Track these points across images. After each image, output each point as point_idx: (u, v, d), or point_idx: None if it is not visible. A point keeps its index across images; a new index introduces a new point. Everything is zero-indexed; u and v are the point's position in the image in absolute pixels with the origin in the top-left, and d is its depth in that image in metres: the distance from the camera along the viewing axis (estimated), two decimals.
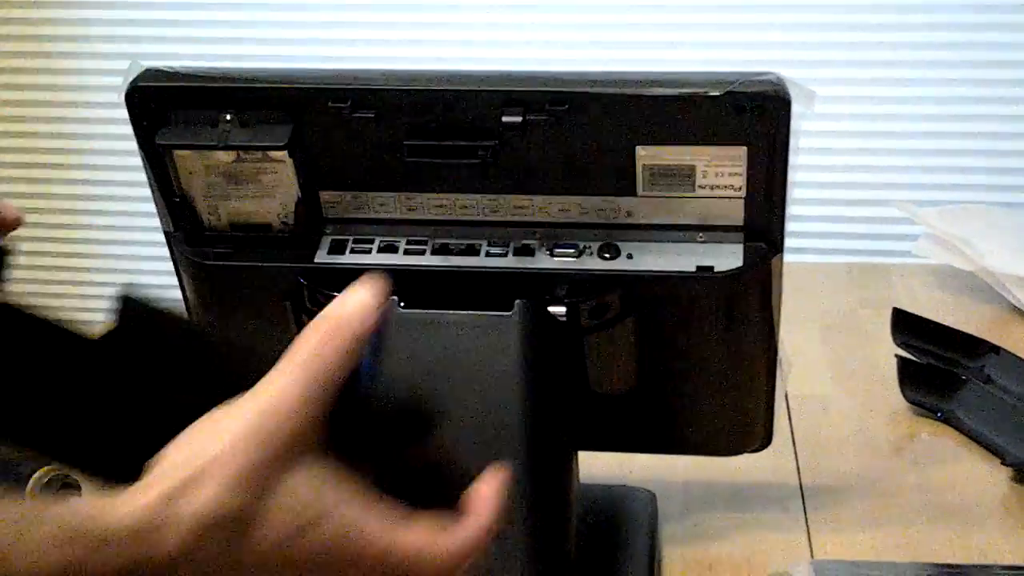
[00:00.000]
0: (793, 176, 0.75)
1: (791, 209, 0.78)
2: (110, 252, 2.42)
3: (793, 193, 0.77)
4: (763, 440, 0.89)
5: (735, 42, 1.88)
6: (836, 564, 0.85)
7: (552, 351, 0.80)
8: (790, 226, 0.78)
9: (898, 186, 1.89)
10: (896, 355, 1.16)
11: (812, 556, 0.89)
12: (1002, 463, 1.02)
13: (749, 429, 0.88)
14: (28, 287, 2.47)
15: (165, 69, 0.76)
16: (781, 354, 0.85)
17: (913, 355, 1.18)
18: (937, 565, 0.86)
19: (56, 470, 0.93)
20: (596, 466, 0.91)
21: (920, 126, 1.88)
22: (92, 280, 2.44)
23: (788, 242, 0.79)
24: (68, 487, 0.92)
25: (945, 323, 1.20)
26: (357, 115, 0.76)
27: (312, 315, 0.82)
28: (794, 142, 0.74)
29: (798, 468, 1.02)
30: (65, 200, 2.40)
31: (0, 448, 0.95)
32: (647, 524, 0.91)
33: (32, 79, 2.30)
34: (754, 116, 0.73)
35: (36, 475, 0.92)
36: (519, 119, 0.74)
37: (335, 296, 0.80)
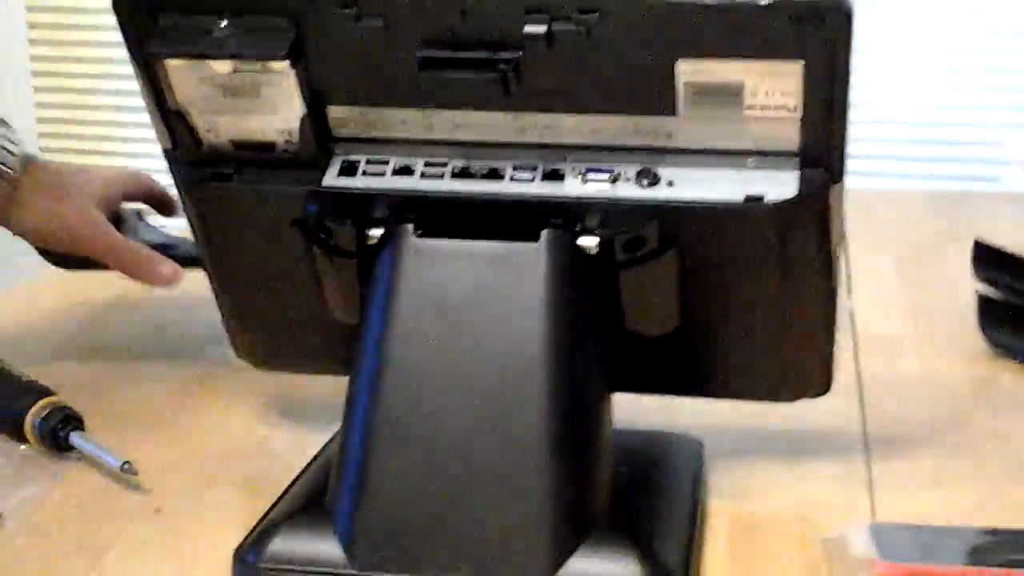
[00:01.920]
0: (854, 94, 0.67)
1: (856, 131, 0.70)
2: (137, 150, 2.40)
3: (856, 113, 0.68)
4: (821, 386, 0.82)
5: None
6: (899, 529, 0.77)
7: (582, 287, 0.73)
8: (859, 148, 0.70)
9: (985, 107, 1.77)
10: (977, 292, 1.07)
11: (873, 517, 0.81)
12: None
13: (806, 373, 0.81)
14: None
15: None
16: (846, 293, 0.77)
17: (996, 292, 1.09)
18: (1016, 532, 0.78)
19: (57, 403, 0.88)
20: (640, 410, 0.84)
21: (1011, 43, 1.75)
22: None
23: (856, 166, 0.71)
24: (69, 419, 0.87)
25: None
26: (364, 22, 0.68)
27: (321, 242, 0.76)
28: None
29: (863, 416, 0.94)
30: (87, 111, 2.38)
31: (7, 377, 0.90)
32: (691, 474, 0.84)
33: None
34: (812, 27, 0.65)
35: (36, 407, 0.87)
36: (543, 29, 0.67)
37: (346, 223, 0.74)
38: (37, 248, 1.04)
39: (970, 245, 1.13)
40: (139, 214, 1.07)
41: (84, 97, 2.43)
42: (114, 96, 2.36)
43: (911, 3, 1.70)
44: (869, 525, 0.77)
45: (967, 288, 1.09)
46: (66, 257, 1.03)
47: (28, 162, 0.99)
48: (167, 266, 0.98)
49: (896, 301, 1.15)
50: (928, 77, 1.73)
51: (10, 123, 0.99)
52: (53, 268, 1.06)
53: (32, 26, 2.42)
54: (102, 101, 2.42)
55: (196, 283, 0.97)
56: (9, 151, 0.97)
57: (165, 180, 0.85)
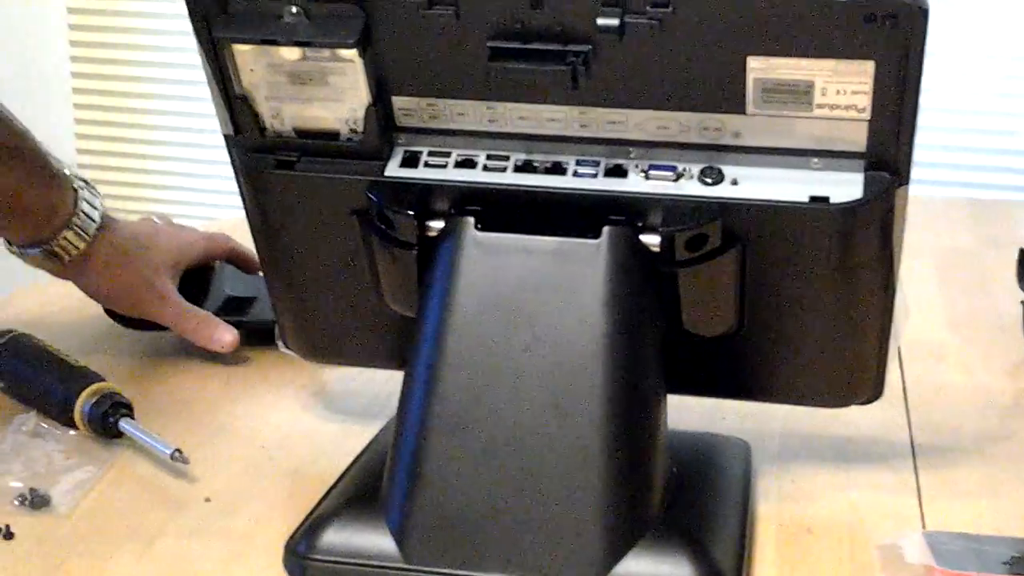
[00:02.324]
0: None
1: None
2: (174, 154, 2.39)
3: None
4: (873, 392, 0.81)
5: None
6: (953, 537, 0.76)
7: (643, 285, 0.73)
8: None
9: None
10: (1022, 301, 1.06)
11: (924, 525, 0.80)
12: None
13: (859, 379, 0.80)
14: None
15: None
16: (899, 298, 0.76)
17: None
18: None
19: (107, 389, 0.87)
20: (687, 411, 0.83)
21: None
22: (157, 183, 2.43)
23: None
24: (119, 406, 0.86)
25: None
26: (434, 11, 0.68)
27: (381, 233, 0.76)
28: None
29: (909, 424, 0.93)
30: (140, 99, 2.38)
31: (59, 363, 0.90)
32: (741, 477, 0.83)
33: None
34: (885, 27, 0.64)
35: (86, 392, 0.87)
36: (616, 22, 0.66)
37: (407, 215, 0.74)
38: (104, 308, 1.05)
39: (1012, 254, 1.13)
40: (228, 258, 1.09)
41: (122, 100, 2.43)
42: (151, 100, 2.36)
43: (953, 9, 1.69)
44: (923, 533, 0.76)
45: (1009, 297, 1.09)
46: (131, 319, 1.04)
47: (105, 223, 1.00)
48: (226, 334, 1.00)
49: (938, 309, 1.14)
50: (971, 83, 1.72)
51: (93, 185, 1.01)
52: None
53: (73, 28, 2.42)
54: (139, 105, 2.42)
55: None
56: (89, 215, 0.98)
57: (214, 170, 0.84)
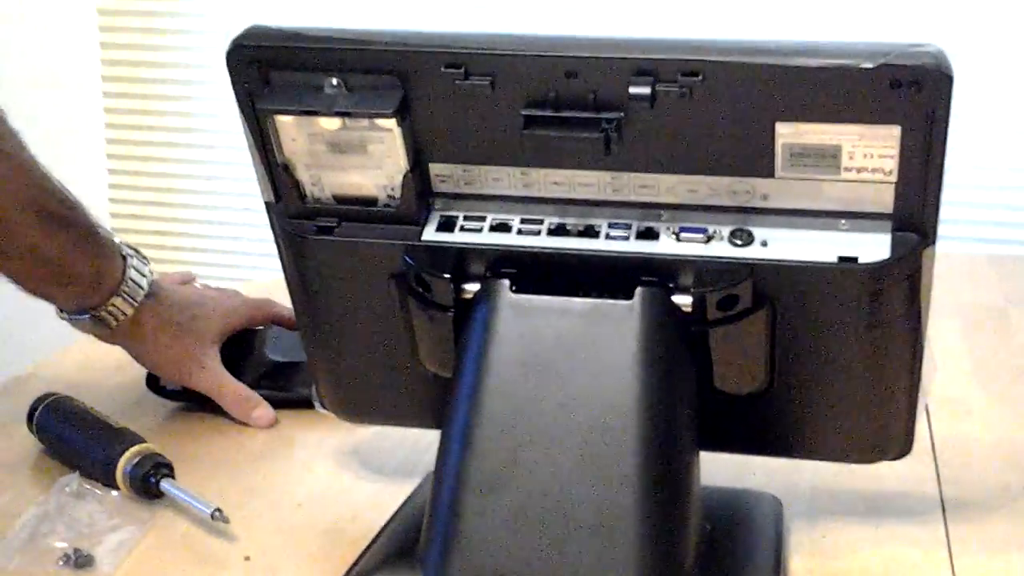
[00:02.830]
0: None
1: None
2: (215, 218, 2.42)
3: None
4: (903, 448, 0.82)
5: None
6: None
7: (675, 344, 0.74)
8: None
9: None
10: None
11: None
12: None
13: (888, 436, 0.81)
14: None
15: (269, 28, 0.71)
16: (927, 355, 0.77)
17: None
18: None
19: (147, 450, 0.89)
20: (716, 467, 0.84)
21: None
22: (194, 247, 2.45)
23: None
24: (160, 467, 0.88)
25: None
26: (471, 82, 0.70)
27: (418, 296, 0.78)
28: None
29: (938, 478, 0.94)
30: (177, 164, 2.40)
31: (101, 425, 0.92)
32: (772, 532, 0.84)
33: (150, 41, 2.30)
34: (911, 92, 0.66)
35: (127, 454, 0.88)
36: (648, 90, 0.68)
37: (443, 278, 0.76)
38: (146, 381, 1.08)
39: None
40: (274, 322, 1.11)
41: (158, 164, 2.46)
42: (185, 149, 2.39)
43: (975, 65, 1.70)
44: None
45: None
46: (170, 391, 1.07)
47: (153, 291, 1.03)
48: (265, 413, 1.03)
49: (965, 365, 1.15)
50: (994, 139, 1.73)
51: (142, 254, 1.04)
52: None
53: (106, 80, 2.46)
54: (175, 170, 2.45)
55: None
56: (137, 282, 1.01)
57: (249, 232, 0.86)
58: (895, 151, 0.69)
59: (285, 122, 0.73)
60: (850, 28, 1.75)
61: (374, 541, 0.81)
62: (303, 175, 0.75)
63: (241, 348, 1.09)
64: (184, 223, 2.47)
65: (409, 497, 0.86)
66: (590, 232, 0.74)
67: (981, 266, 1.36)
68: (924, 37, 0.68)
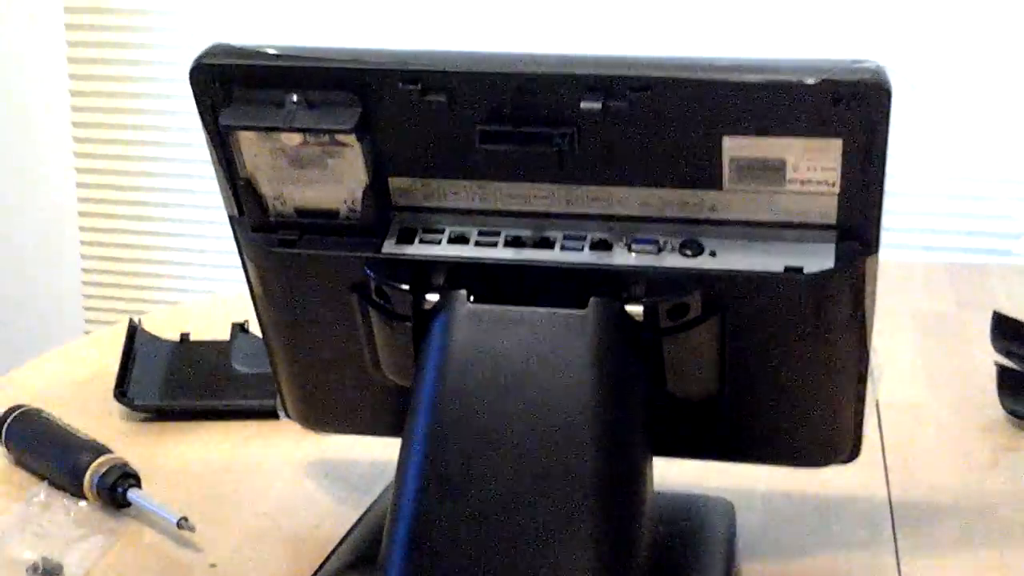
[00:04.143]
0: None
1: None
2: (180, 232, 2.43)
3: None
4: (851, 451, 0.84)
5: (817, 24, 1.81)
6: None
7: (628, 352, 0.76)
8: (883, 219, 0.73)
9: (1001, 180, 1.80)
10: (996, 363, 1.10)
11: None
12: None
13: (836, 439, 0.83)
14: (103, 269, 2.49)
15: (231, 46, 0.73)
16: (872, 361, 0.80)
17: (1014, 363, 1.12)
18: None
19: (115, 460, 0.91)
20: (670, 473, 0.86)
21: None
22: (161, 259, 2.46)
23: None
24: (127, 476, 0.89)
25: None
26: (428, 98, 0.72)
27: (378, 307, 0.79)
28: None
29: (887, 481, 0.97)
30: (143, 178, 2.42)
31: (68, 436, 0.93)
32: (724, 536, 0.86)
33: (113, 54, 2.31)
34: (852, 106, 0.68)
35: (94, 464, 0.90)
36: (599, 105, 0.70)
37: (402, 289, 0.77)
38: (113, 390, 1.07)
39: (987, 316, 1.17)
40: None
41: (124, 178, 2.47)
42: (152, 163, 2.40)
43: (929, 78, 1.74)
44: None
45: (986, 358, 1.12)
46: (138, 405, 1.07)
47: None
48: None
49: (917, 370, 1.18)
50: (945, 149, 1.77)
51: None
52: (95, 330, 1.09)
53: (74, 94, 2.46)
54: (140, 168, 2.46)
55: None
56: None
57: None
58: (837, 164, 0.71)
59: (247, 138, 0.75)
60: (796, 45, 1.77)
61: (336, 548, 0.83)
62: (265, 189, 0.77)
63: (209, 361, 1.10)
64: (153, 236, 2.49)
65: (371, 505, 0.88)
66: (545, 243, 0.76)
67: (936, 273, 1.39)
68: (873, 53, 0.70)
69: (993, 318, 1.16)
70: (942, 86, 1.74)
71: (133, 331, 1.14)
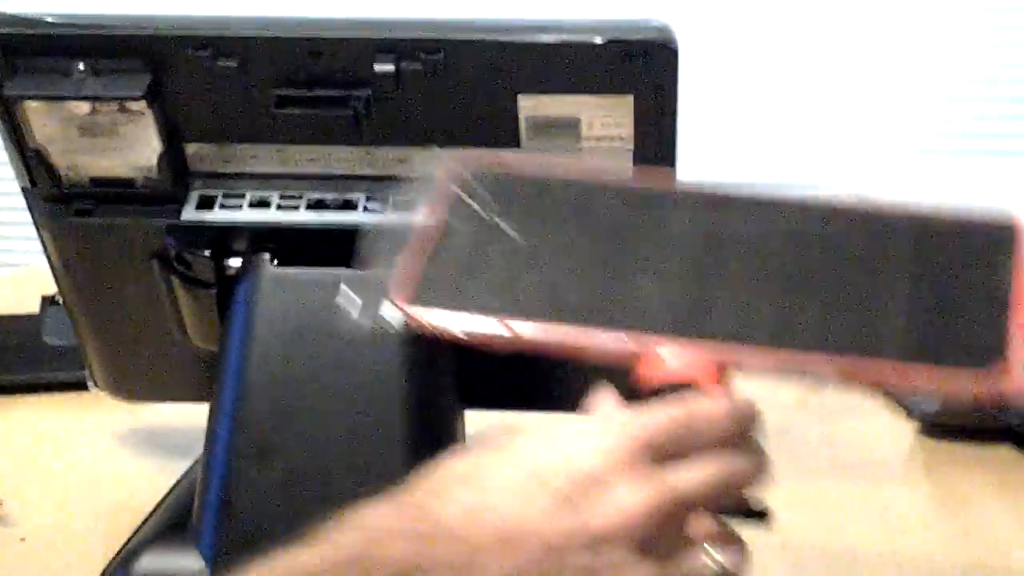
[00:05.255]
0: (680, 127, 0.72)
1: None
2: None
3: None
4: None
5: None
6: None
7: None
8: None
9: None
10: None
11: None
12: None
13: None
14: None
15: (11, 15, 0.71)
16: None
17: None
18: None
19: None
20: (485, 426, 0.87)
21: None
22: None
23: None
24: None
25: None
26: (220, 63, 0.71)
27: (181, 275, 0.79)
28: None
29: None
30: None
31: None
32: None
33: None
34: (640, 64, 0.70)
35: None
36: (392, 68, 0.70)
37: (204, 256, 0.77)
38: None
39: None
40: None
41: None
42: None
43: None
44: None
45: None
46: None
47: None
48: None
49: None
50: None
51: None
52: None
53: None
54: None
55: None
56: None
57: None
58: (630, 120, 0.72)
59: (34, 108, 0.73)
60: (593, 6, 1.80)
61: (150, 515, 0.82)
62: (57, 160, 0.76)
63: (18, 333, 1.08)
64: None
65: (186, 472, 0.87)
66: (348, 205, 0.76)
67: None
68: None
69: None
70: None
71: None
